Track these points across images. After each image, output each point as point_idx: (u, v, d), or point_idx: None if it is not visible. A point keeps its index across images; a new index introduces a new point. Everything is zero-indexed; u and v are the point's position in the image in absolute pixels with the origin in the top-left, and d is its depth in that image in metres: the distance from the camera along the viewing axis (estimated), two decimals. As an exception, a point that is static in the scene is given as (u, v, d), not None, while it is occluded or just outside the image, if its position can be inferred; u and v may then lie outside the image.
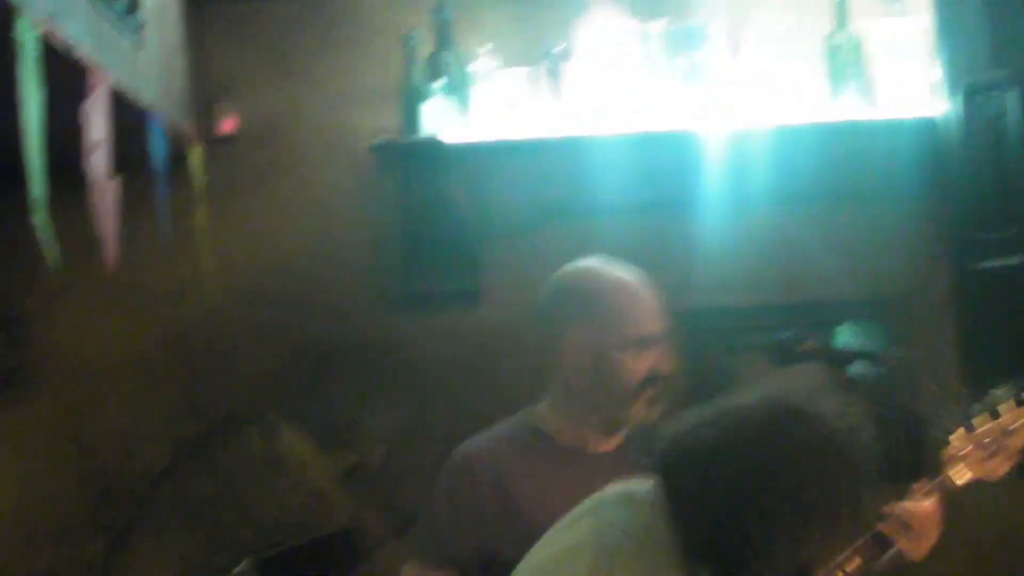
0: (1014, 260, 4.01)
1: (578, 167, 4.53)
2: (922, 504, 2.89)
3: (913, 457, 4.30)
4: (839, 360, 2.95)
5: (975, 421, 2.92)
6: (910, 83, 4.45)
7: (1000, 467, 2.94)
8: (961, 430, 2.94)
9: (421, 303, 4.64)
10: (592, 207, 4.50)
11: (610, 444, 3.00)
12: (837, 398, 2.33)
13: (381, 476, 4.57)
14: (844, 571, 2.79)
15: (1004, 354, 4.04)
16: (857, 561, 2.79)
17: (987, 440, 2.92)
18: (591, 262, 3.01)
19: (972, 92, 4.13)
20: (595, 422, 2.95)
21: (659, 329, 2.93)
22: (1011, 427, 2.92)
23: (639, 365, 2.89)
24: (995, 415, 2.93)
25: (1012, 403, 2.93)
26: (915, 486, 2.93)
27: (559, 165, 4.56)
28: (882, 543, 2.84)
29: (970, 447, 2.94)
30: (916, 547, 2.86)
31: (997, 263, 4.07)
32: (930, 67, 4.39)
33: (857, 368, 3.02)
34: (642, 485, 2.38)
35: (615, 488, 2.47)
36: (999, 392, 2.96)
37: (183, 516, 4.53)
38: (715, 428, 2.29)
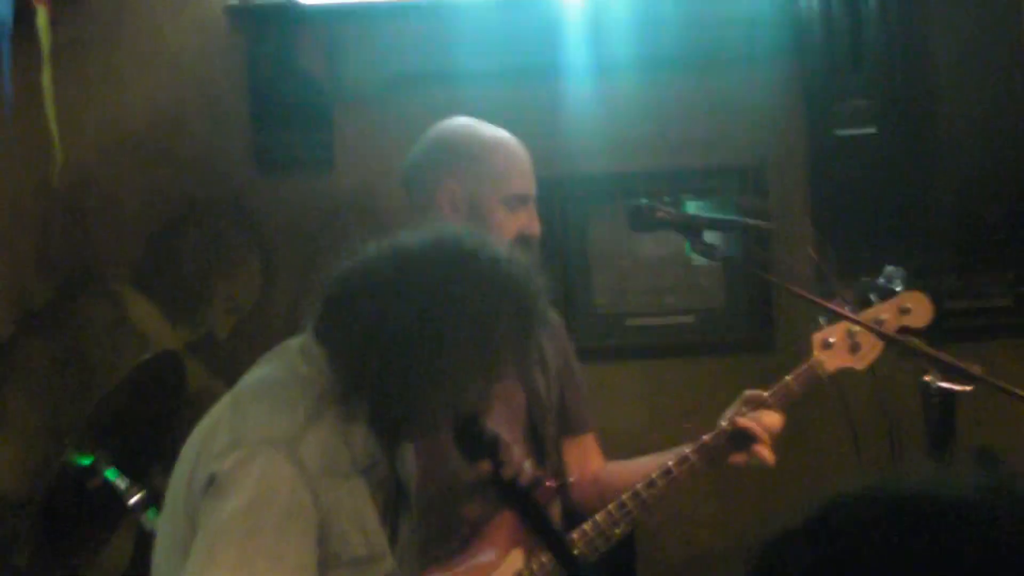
0: (869, 129, 4.04)
1: (436, 31, 4.46)
2: (772, 415, 2.90)
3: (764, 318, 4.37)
4: (696, 227, 2.93)
5: (846, 310, 2.92)
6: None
7: (867, 356, 2.96)
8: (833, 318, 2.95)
9: (272, 169, 4.55)
10: (450, 73, 4.42)
11: None
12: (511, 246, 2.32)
13: (228, 346, 4.52)
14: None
15: (857, 224, 4.08)
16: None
17: (856, 329, 2.94)
18: (467, 119, 3.01)
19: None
20: None
21: (532, 189, 2.94)
22: (882, 317, 2.94)
23: (510, 223, 2.88)
24: (866, 304, 2.95)
25: (885, 293, 2.95)
26: (788, 378, 2.94)
27: (416, 29, 4.48)
28: (739, 439, 2.87)
29: (840, 335, 2.96)
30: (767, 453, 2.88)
31: (852, 131, 4.09)
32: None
33: (713, 235, 3.01)
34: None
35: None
36: (870, 281, 2.98)
37: (28, 382, 4.45)
38: (380, 266, 2.26)
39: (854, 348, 2.97)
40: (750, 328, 4.47)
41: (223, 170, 4.57)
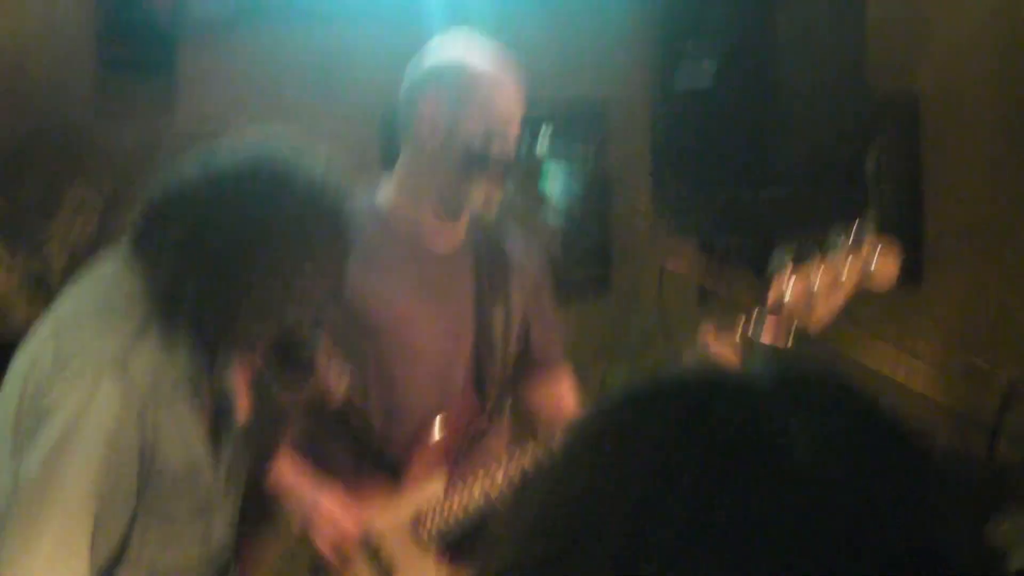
0: (710, 81, 4.10)
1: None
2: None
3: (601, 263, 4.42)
4: (535, 164, 2.96)
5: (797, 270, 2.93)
6: None
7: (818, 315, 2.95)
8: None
9: (114, 108, 4.46)
10: (298, 9, 4.37)
11: (448, 242, 3.00)
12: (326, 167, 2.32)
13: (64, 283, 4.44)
14: None
15: (690, 175, 4.15)
16: None
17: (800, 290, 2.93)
18: (462, 36, 3.01)
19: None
20: (434, 199, 2.94)
21: (516, 114, 2.94)
22: (841, 270, 2.93)
23: (489, 144, 2.88)
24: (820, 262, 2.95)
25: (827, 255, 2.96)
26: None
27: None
28: None
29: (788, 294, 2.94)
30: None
31: (693, 85, 4.15)
32: None
33: (553, 173, 3.03)
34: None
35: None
36: (826, 242, 2.98)
37: None
38: (196, 185, 2.25)
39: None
40: (587, 270, 4.53)
41: (64, 109, 4.47)
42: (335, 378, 2.57)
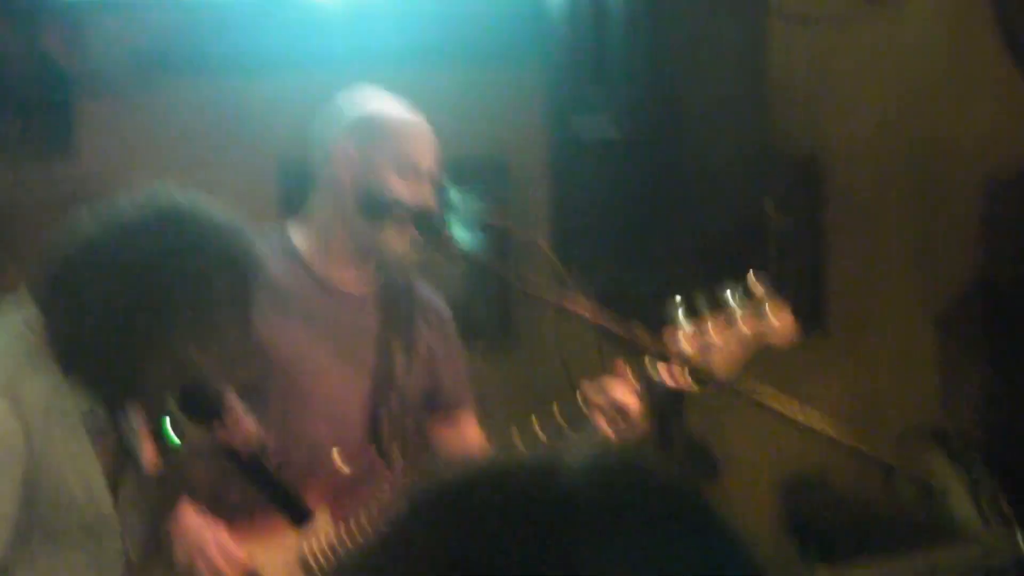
0: (611, 134, 4.12)
1: (188, 23, 4.39)
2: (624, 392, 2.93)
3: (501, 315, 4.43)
4: (436, 222, 2.99)
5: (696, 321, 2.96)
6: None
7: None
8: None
9: (6, 154, 4.42)
10: (203, 65, 4.38)
11: (357, 284, 3.02)
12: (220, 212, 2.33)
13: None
14: None
15: (596, 227, 4.17)
16: None
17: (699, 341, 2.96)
18: (375, 91, 3.06)
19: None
20: (348, 243, 2.96)
21: (432, 166, 2.97)
22: (742, 326, 2.99)
23: (403, 191, 2.91)
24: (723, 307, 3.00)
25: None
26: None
27: (167, 19, 4.41)
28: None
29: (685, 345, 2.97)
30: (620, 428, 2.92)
31: (594, 135, 4.17)
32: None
33: (454, 231, 3.07)
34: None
35: None
36: (720, 296, 3.02)
37: None
38: (97, 237, 2.26)
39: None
40: (488, 326, 4.54)
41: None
42: (247, 423, 2.56)
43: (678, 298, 3.05)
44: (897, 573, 3.11)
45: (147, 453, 2.52)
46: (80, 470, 2.23)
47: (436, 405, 3.15)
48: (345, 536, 2.89)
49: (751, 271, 3.16)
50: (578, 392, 2.93)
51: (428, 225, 2.94)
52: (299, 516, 2.68)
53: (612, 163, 4.15)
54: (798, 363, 3.80)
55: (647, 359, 2.94)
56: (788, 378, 3.24)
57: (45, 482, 2.18)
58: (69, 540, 2.23)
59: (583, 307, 2.99)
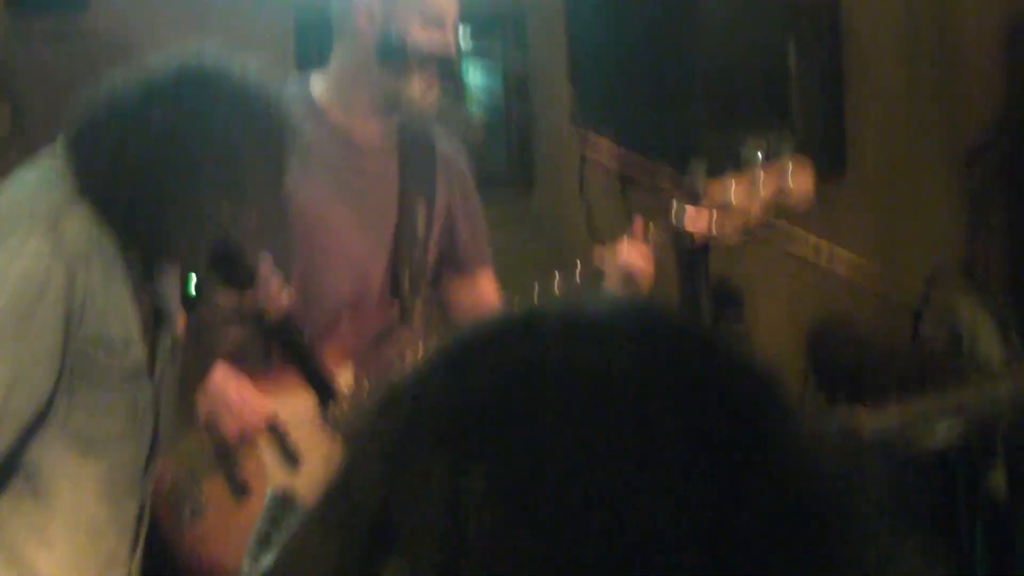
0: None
1: None
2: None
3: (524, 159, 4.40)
4: (457, 71, 2.96)
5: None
6: None
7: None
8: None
9: (23, 9, 4.37)
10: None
11: (379, 137, 2.99)
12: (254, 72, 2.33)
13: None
14: None
15: (615, 75, 4.12)
16: None
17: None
18: None
19: None
20: (370, 95, 2.93)
21: (453, 14, 2.92)
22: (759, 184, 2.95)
23: (425, 39, 2.86)
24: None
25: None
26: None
27: None
28: None
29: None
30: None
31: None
32: None
33: (473, 75, 3.03)
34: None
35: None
36: (742, 156, 2.98)
37: None
38: (126, 94, 2.26)
39: None
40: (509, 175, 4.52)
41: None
42: (276, 289, 2.57)
43: (696, 157, 3.01)
44: (927, 412, 3.14)
45: (179, 316, 2.54)
46: (120, 315, 2.26)
47: (454, 262, 3.13)
48: (367, 391, 2.91)
49: (775, 125, 3.11)
50: (592, 256, 2.91)
51: (450, 73, 2.90)
52: (325, 391, 2.69)
53: (632, 9, 4.09)
54: (822, 206, 3.79)
55: (675, 205, 2.91)
56: (812, 221, 3.23)
57: (86, 323, 2.21)
58: (106, 383, 2.26)
59: (607, 154, 2.96)
